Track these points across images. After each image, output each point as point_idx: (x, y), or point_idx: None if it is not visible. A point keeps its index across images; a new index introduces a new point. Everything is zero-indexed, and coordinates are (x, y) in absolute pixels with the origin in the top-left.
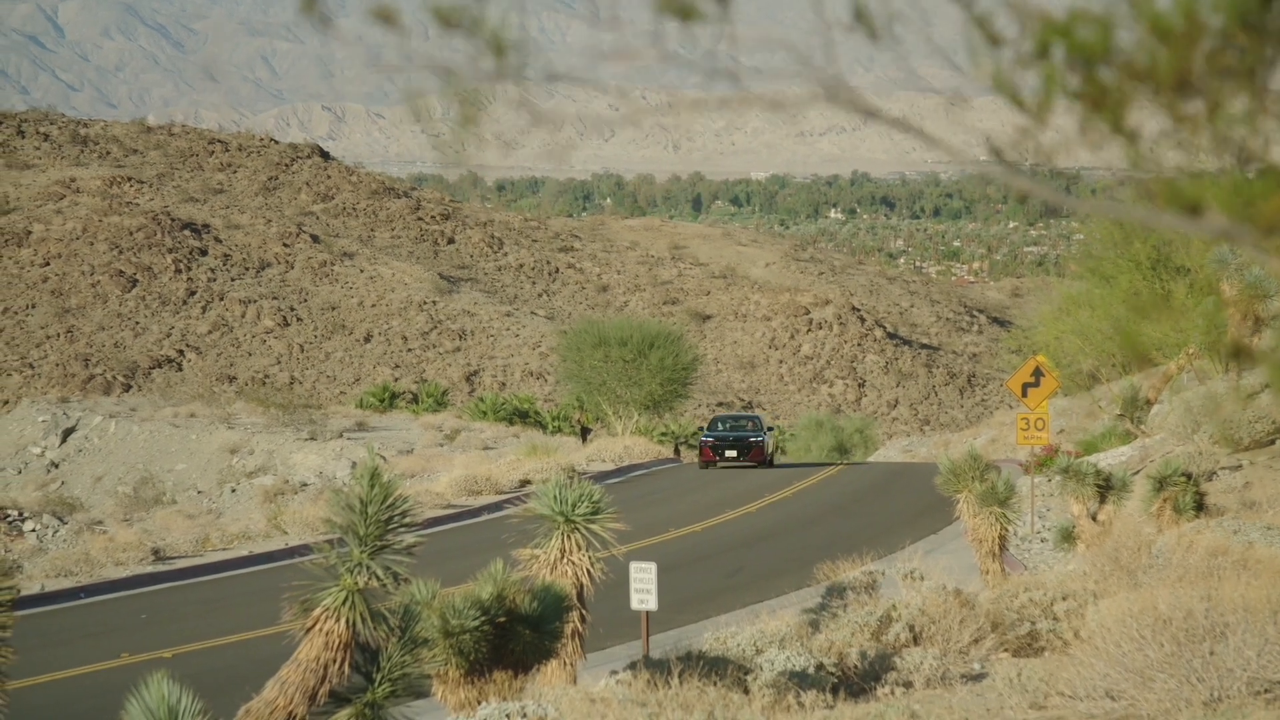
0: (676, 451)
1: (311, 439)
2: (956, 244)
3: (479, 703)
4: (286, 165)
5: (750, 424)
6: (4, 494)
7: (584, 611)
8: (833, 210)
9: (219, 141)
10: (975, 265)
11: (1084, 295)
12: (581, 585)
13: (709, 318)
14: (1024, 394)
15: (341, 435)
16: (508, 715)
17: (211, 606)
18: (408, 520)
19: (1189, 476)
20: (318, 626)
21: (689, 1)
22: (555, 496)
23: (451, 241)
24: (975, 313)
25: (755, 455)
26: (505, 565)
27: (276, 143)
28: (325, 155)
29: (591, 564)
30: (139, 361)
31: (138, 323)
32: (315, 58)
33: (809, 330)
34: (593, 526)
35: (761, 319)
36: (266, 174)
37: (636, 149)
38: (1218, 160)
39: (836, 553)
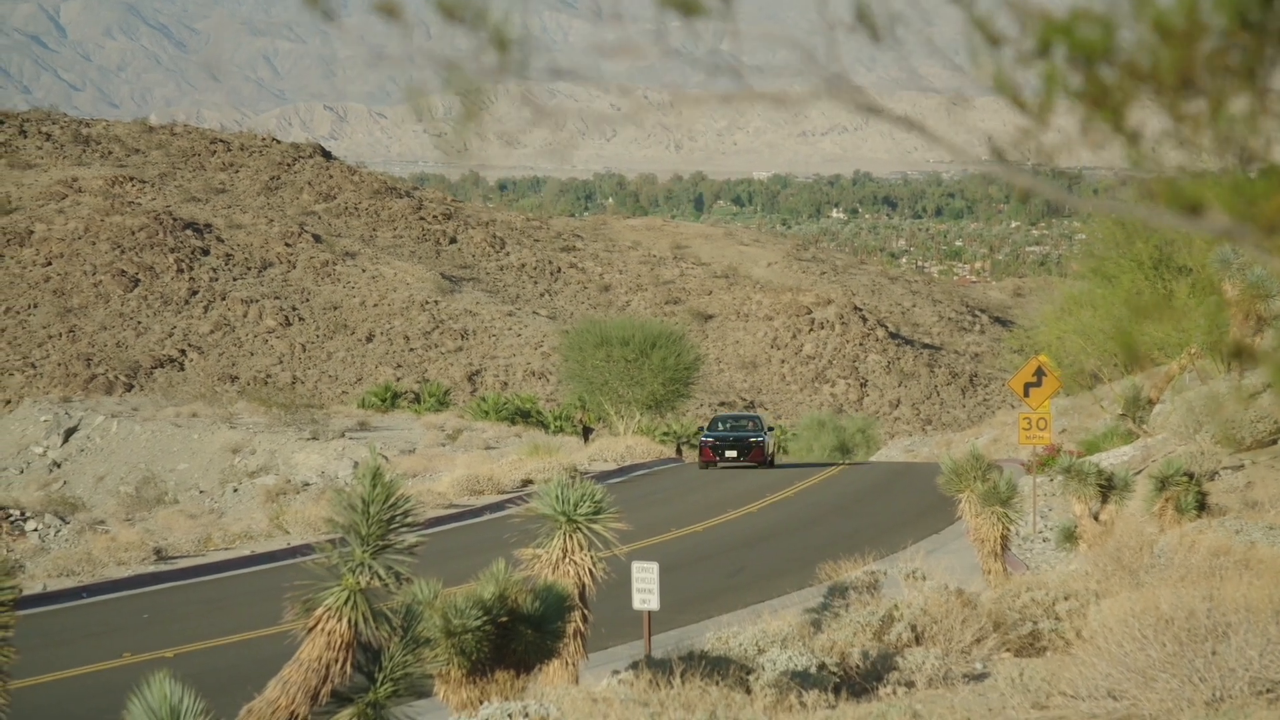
0: (678, 451)
1: (313, 439)
2: (959, 244)
3: (481, 702)
4: (288, 165)
5: (751, 424)
6: (6, 494)
7: (586, 611)
8: (835, 210)
9: (221, 141)
10: (977, 265)
11: (1086, 295)
12: (583, 585)
13: (711, 317)
14: (1026, 394)
15: (343, 435)
16: (510, 715)
17: (213, 606)
18: (410, 520)
19: (1191, 476)
20: (320, 626)
21: None
22: (557, 496)
23: (453, 241)
24: (977, 312)
25: (755, 455)
26: (507, 565)
27: (278, 142)
28: (327, 155)
29: (593, 564)
30: (141, 361)
31: (140, 322)
32: (317, 57)
33: (811, 330)
34: (595, 526)
35: (763, 319)
36: (268, 174)
37: (639, 149)
38: (1219, 160)
39: (838, 552)
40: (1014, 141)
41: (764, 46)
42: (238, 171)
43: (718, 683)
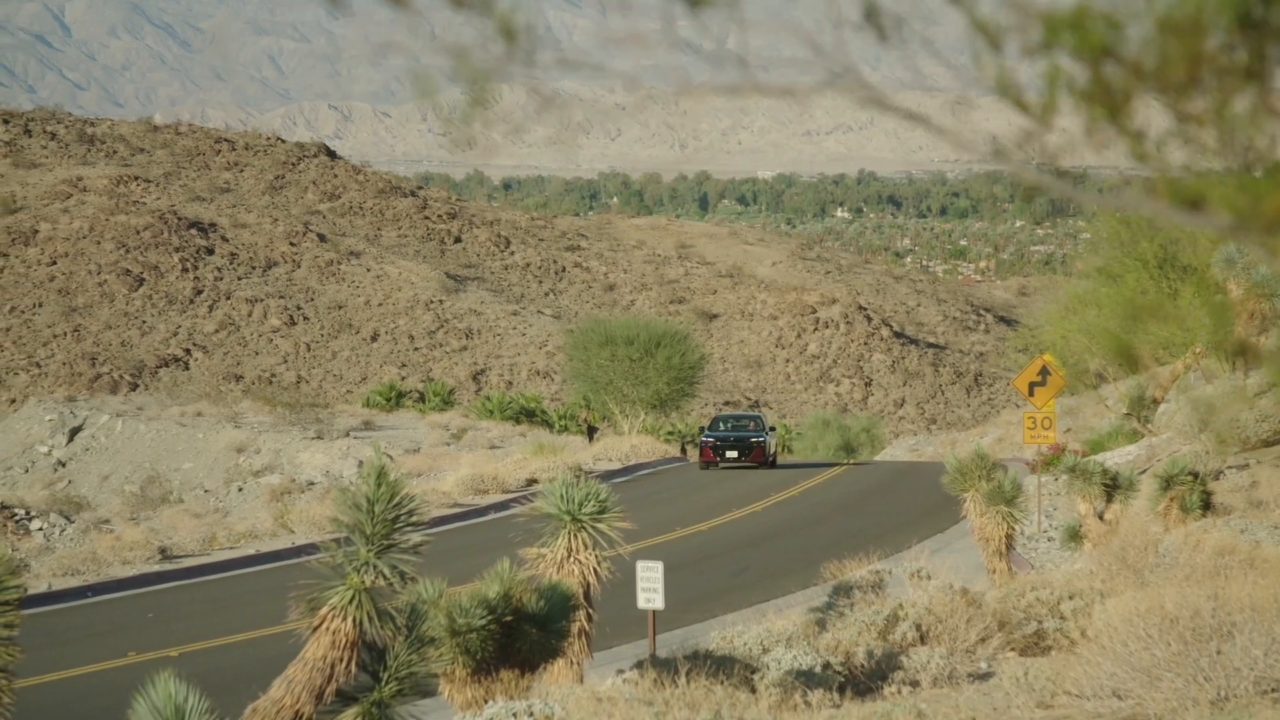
0: (683, 450)
1: (318, 438)
2: (963, 243)
3: (486, 701)
4: (293, 164)
5: (752, 424)
6: (11, 493)
7: (590, 610)
8: (839, 209)
9: (225, 140)
10: (982, 264)
11: (1091, 294)
12: (588, 584)
13: (715, 317)
14: (1031, 393)
15: (348, 434)
16: (514, 714)
17: (218, 605)
18: (414, 519)
19: (1196, 475)
20: (324, 625)
21: None
22: (562, 495)
23: (458, 240)
24: (982, 312)
25: (756, 456)
26: (512, 564)
27: (283, 142)
28: (332, 154)
29: (598, 563)
30: (146, 360)
31: (144, 322)
32: (322, 56)
33: (815, 329)
34: (599, 525)
35: (768, 318)
36: (273, 173)
37: (643, 148)
38: (1223, 159)
39: (843, 552)
40: (1018, 143)
41: (771, 40)
42: (242, 171)
43: (722, 682)
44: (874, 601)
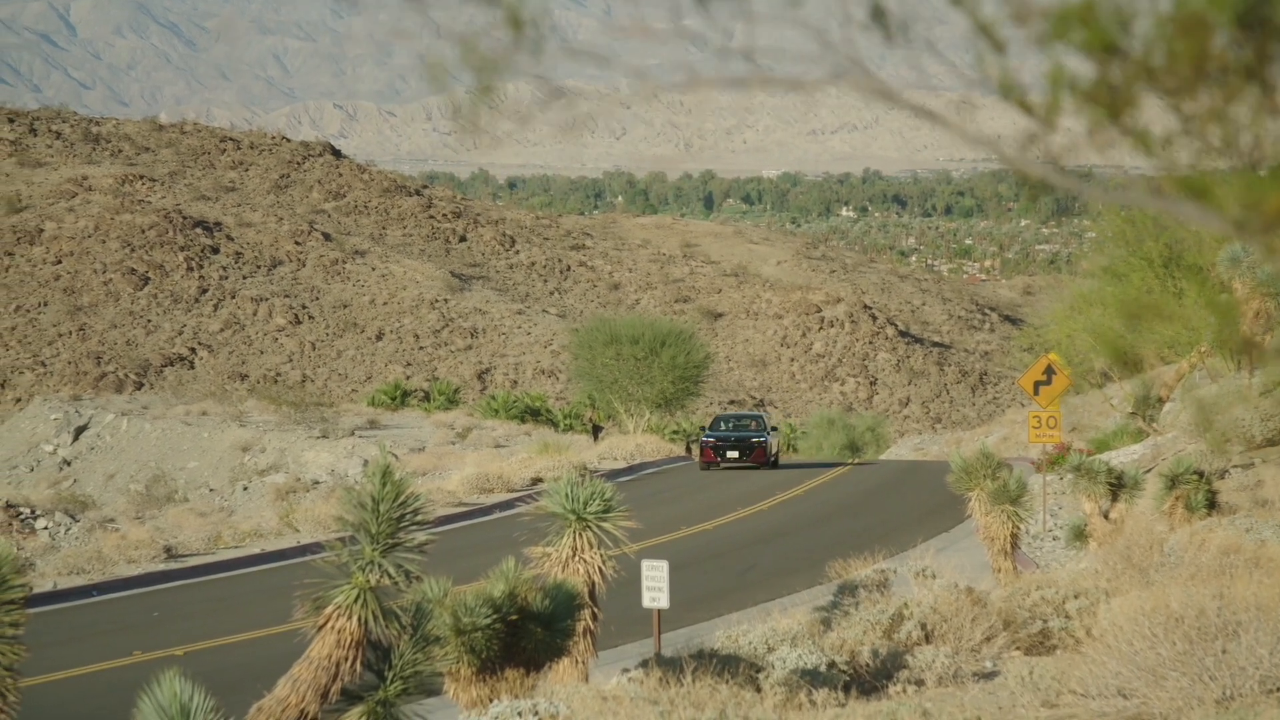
0: (688, 449)
1: (323, 437)
2: (968, 242)
3: (491, 700)
4: (298, 163)
5: (753, 423)
6: (17, 491)
7: (596, 609)
8: (844, 208)
9: (231, 140)
10: (987, 263)
11: (1096, 293)
12: (593, 583)
13: (720, 316)
14: (1036, 392)
15: (353, 433)
16: (519, 713)
17: (223, 604)
18: (419, 518)
19: (1201, 474)
20: (330, 624)
21: None
22: (567, 494)
23: (463, 239)
24: (987, 311)
25: (757, 456)
26: (517, 563)
27: (288, 141)
28: (337, 153)
29: (603, 562)
30: (151, 359)
31: (150, 321)
32: (327, 55)
33: (820, 328)
34: (604, 524)
35: (773, 317)
36: (278, 172)
37: (648, 147)
38: (1225, 158)
39: (848, 551)
40: (1022, 144)
41: (778, 36)
42: (247, 170)
43: (728, 681)
44: (879, 600)
